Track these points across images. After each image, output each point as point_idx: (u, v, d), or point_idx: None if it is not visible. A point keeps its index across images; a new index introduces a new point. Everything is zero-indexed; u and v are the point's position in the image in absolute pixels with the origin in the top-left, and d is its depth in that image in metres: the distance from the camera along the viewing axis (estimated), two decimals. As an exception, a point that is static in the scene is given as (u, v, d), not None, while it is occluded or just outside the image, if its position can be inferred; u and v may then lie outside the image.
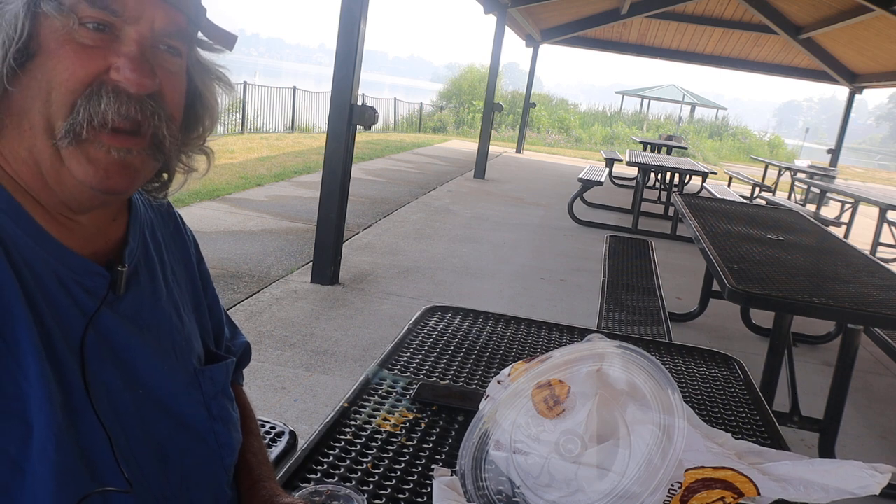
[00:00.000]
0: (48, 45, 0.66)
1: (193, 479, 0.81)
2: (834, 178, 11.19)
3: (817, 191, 10.04)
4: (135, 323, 0.77)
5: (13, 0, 0.65)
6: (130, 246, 0.78)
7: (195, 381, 0.83)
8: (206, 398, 0.84)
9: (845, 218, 9.16)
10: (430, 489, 0.96)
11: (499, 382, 1.01)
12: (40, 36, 0.66)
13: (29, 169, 0.70)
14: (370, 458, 1.04)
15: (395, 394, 1.25)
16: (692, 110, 30.92)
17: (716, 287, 3.88)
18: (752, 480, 0.86)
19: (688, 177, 9.73)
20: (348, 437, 1.09)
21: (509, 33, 11.98)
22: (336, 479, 0.98)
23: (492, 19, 10.42)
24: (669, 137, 16.19)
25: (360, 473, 1.00)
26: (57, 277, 0.69)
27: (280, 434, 1.52)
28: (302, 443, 1.07)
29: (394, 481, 0.99)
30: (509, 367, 1.04)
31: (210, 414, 0.84)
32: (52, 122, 0.67)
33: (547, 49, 15.33)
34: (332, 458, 1.02)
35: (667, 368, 0.97)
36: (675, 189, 9.42)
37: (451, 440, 1.12)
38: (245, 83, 13.96)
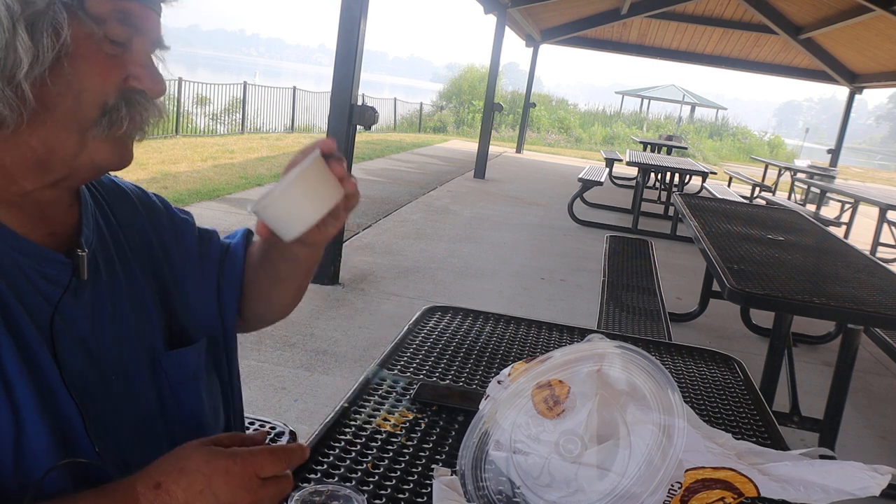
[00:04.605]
0: (78, 50, 0.70)
1: None
2: (834, 178, 11.19)
3: (817, 191, 10.04)
4: (96, 310, 0.79)
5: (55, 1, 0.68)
6: (85, 233, 0.80)
7: (159, 367, 0.85)
8: (172, 383, 0.86)
9: (845, 218, 9.15)
10: (430, 489, 0.96)
11: (499, 382, 1.01)
12: (72, 38, 0.69)
13: (18, 160, 0.71)
14: (370, 458, 1.04)
15: (395, 394, 1.25)
16: (692, 110, 30.91)
17: (716, 287, 3.88)
18: (752, 481, 0.86)
19: (688, 177, 9.73)
20: (348, 437, 1.09)
21: (509, 33, 11.98)
22: (336, 479, 0.98)
23: (492, 19, 10.42)
24: (669, 137, 16.18)
25: (360, 473, 1.00)
26: (19, 267, 0.72)
27: (280, 434, 1.52)
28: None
29: (394, 481, 0.99)
30: (509, 367, 1.04)
31: (177, 399, 0.86)
32: (81, 116, 0.72)
33: (547, 49, 15.33)
34: (332, 458, 1.02)
35: (667, 368, 0.97)
36: (675, 189, 9.41)
37: (451, 440, 1.12)
38: (245, 83, 13.96)
